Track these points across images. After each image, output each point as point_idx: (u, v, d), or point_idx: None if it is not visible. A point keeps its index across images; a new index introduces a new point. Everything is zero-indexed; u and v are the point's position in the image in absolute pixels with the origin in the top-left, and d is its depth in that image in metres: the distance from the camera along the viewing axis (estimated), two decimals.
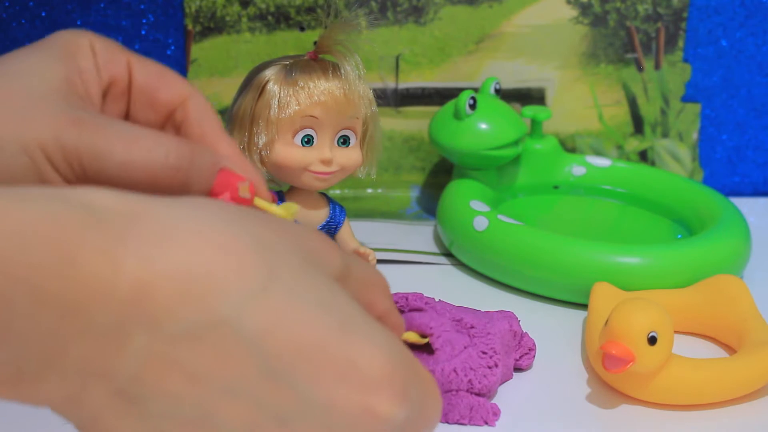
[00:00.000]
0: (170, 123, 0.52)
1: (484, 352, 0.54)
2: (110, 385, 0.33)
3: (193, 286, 0.33)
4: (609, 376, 0.56)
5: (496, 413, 0.54)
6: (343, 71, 0.59)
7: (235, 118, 0.59)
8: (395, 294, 0.58)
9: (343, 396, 0.34)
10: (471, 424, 0.53)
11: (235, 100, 0.60)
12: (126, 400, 0.33)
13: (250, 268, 0.34)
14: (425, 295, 0.58)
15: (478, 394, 0.54)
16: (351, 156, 0.60)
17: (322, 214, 0.61)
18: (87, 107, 0.48)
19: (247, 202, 0.43)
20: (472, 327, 0.56)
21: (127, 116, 0.52)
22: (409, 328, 0.53)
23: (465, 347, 0.55)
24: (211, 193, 0.43)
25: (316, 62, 0.59)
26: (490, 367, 0.54)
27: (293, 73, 0.58)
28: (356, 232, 0.63)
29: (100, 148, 0.42)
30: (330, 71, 0.59)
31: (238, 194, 0.45)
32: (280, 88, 0.58)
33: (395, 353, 0.35)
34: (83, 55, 0.50)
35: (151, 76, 0.52)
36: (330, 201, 0.62)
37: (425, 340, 0.52)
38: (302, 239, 0.37)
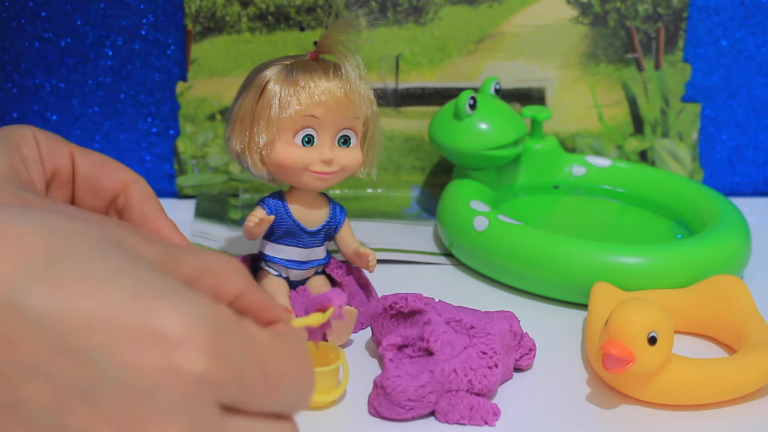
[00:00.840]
0: (113, 208, 0.55)
1: (483, 353, 0.55)
2: None
3: None
4: (609, 376, 0.56)
5: (496, 413, 0.54)
6: (344, 71, 0.59)
7: (236, 118, 0.60)
8: (395, 294, 0.58)
9: (142, 359, 0.33)
10: (471, 424, 0.53)
11: (236, 99, 0.60)
12: None
13: (30, 247, 0.34)
14: (425, 295, 0.58)
15: (478, 394, 0.54)
16: (352, 156, 0.60)
17: (322, 213, 0.61)
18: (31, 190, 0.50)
19: None
20: (471, 327, 0.56)
21: (72, 203, 0.55)
22: (312, 308, 0.50)
23: (465, 347, 0.55)
24: None
25: (317, 62, 0.59)
26: (490, 368, 0.54)
27: (294, 73, 0.59)
28: (356, 232, 0.63)
29: None
30: (331, 71, 0.59)
31: None
32: (281, 88, 0.58)
33: (200, 313, 0.35)
34: (27, 145, 0.53)
35: (94, 166, 0.55)
36: (330, 201, 0.62)
37: (327, 315, 0.47)
38: (110, 230, 0.37)
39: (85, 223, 0.36)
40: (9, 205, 0.37)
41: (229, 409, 0.36)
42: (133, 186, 0.55)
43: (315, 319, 0.47)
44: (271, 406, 0.38)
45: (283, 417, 0.38)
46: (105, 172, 0.55)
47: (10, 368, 0.33)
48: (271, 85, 0.58)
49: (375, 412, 0.54)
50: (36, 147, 0.53)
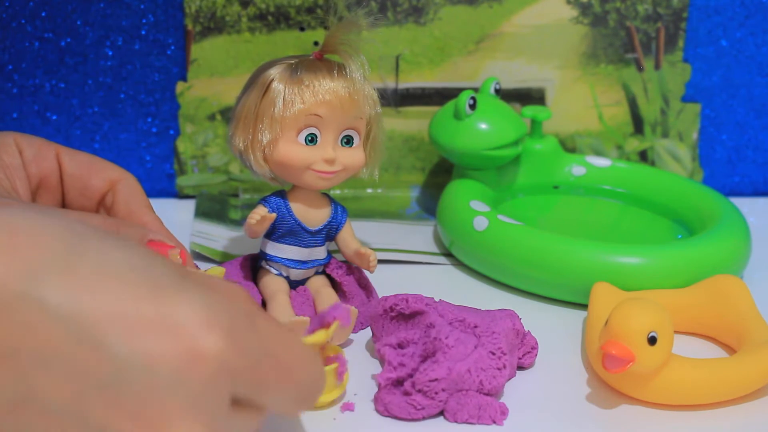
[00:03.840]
0: (102, 207, 0.56)
1: (492, 353, 0.54)
2: None
3: None
4: (609, 376, 0.56)
5: (504, 412, 0.54)
6: (348, 71, 0.59)
7: (239, 117, 0.60)
8: (395, 296, 0.58)
9: (162, 349, 0.34)
10: (479, 423, 0.53)
11: (240, 98, 0.60)
12: None
13: (48, 242, 0.35)
14: (425, 295, 0.58)
15: (486, 395, 0.54)
16: (354, 156, 0.60)
17: (323, 213, 0.61)
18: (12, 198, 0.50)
19: None
20: (475, 326, 0.56)
21: (63, 205, 0.55)
22: (317, 326, 0.51)
23: (475, 347, 0.54)
24: None
25: (322, 62, 0.60)
26: (499, 369, 0.54)
27: (298, 72, 0.59)
28: (356, 232, 0.63)
29: None
30: (335, 71, 0.59)
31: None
32: (285, 87, 0.58)
33: (216, 303, 0.36)
34: (8, 152, 0.54)
35: (81, 166, 0.56)
36: (332, 201, 0.62)
37: (331, 331, 0.50)
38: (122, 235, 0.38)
39: (96, 225, 0.38)
40: (25, 204, 0.38)
41: (239, 404, 0.36)
42: (120, 183, 0.56)
43: (320, 336, 0.48)
44: (281, 401, 0.38)
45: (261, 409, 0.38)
46: (92, 172, 0.56)
47: (28, 358, 0.34)
48: (275, 84, 0.59)
49: (384, 410, 0.53)
50: (18, 154, 0.54)
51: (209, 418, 0.35)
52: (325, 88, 0.58)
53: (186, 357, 0.34)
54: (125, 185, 0.56)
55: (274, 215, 0.60)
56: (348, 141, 0.60)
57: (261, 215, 0.59)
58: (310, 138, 0.59)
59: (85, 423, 0.34)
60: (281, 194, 0.61)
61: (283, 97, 0.58)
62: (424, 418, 0.53)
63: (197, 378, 0.34)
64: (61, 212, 0.39)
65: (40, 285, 0.34)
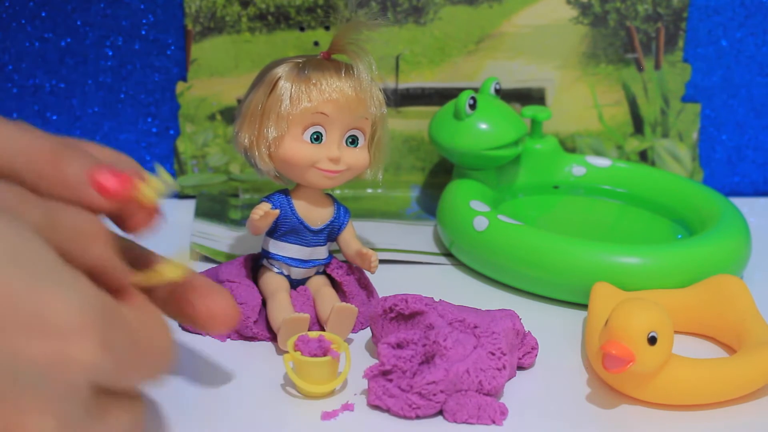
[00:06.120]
0: None
1: (492, 353, 0.54)
2: None
3: None
4: (609, 376, 0.56)
5: (504, 412, 0.53)
6: (356, 71, 0.59)
7: (246, 113, 0.60)
8: (394, 296, 0.58)
9: (31, 345, 0.34)
10: (479, 423, 0.53)
11: (246, 95, 0.61)
12: None
13: None
14: (425, 295, 0.58)
15: (486, 395, 0.54)
16: (359, 156, 0.60)
17: (326, 213, 0.61)
18: None
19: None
20: (475, 327, 0.56)
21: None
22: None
23: (474, 347, 0.54)
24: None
25: (329, 61, 0.60)
26: (498, 369, 0.54)
27: (306, 71, 0.59)
28: (356, 231, 0.63)
29: None
30: (343, 70, 0.59)
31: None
32: (293, 85, 0.59)
33: (89, 303, 0.35)
34: None
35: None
36: (335, 201, 0.62)
37: (179, 269, 0.45)
38: None
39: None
40: None
41: (96, 390, 0.36)
42: None
43: (171, 272, 0.44)
44: (135, 380, 0.38)
45: (136, 395, 0.39)
46: None
47: None
48: (282, 82, 0.59)
49: (376, 399, 0.53)
50: None
51: (65, 414, 0.35)
52: (332, 86, 0.58)
53: (53, 359, 0.34)
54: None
55: (277, 211, 0.60)
56: (353, 141, 0.60)
57: (264, 211, 0.59)
58: (315, 136, 0.59)
59: None
60: (285, 192, 0.61)
61: (290, 94, 0.58)
62: (418, 417, 0.53)
63: (63, 380, 0.34)
64: None
65: None
